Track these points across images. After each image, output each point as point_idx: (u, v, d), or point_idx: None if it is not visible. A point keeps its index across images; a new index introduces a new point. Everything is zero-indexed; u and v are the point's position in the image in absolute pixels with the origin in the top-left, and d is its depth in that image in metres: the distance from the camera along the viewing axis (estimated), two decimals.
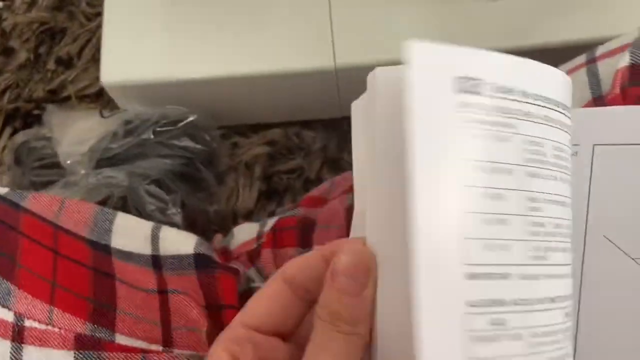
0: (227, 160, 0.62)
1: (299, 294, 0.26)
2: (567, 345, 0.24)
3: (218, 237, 0.50)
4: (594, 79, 0.39)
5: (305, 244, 0.43)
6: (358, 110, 0.26)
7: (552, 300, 0.23)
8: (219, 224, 0.60)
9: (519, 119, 0.23)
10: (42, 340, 0.30)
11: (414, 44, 0.22)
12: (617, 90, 0.36)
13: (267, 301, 0.26)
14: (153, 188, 0.46)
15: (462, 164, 0.22)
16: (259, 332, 0.26)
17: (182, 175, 0.52)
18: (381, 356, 0.24)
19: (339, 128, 0.68)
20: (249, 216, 0.62)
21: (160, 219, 0.46)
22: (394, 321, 0.23)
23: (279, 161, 0.67)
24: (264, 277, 0.44)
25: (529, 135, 0.23)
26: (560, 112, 0.25)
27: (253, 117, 0.68)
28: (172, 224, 0.47)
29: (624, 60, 0.37)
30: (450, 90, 0.22)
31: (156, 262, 0.39)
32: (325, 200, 0.46)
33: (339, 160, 0.67)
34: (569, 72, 0.41)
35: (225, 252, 0.46)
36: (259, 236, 0.46)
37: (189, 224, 0.50)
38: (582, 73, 0.40)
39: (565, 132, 0.25)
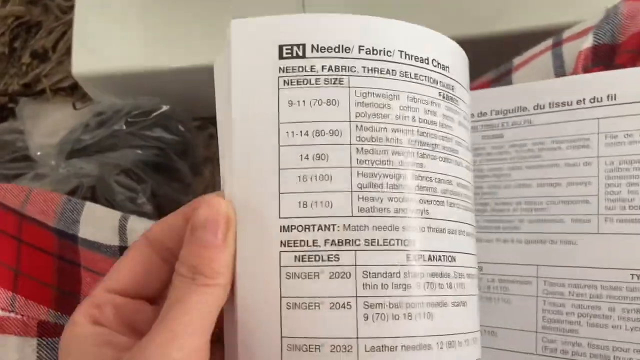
0: (202, 151, 0.62)
1: (162, 256, 0.26)
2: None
3: None
4: (558, 61, 0.39)
5: None
6: (218, 66, 0.27)
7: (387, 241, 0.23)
8: None
9: (348, 75, 0.24)
10: (1, 327, 0.30)
11: (234, 22, 0.25)
12: (580, 71, 0.37)
13: (130, 264, 0.26)
14: (122, 178, 0.45)
15: (282, 128, 0.24)
16: (122, 295, 0.25)
17: (154, 166, 0.52)
18: (241, 306, 0.24)
19: None
20: None
21: (130, 208, 0.46)
22: (252, 270, 0.23)
23: None
24: None
25: (359, 87, 0.24)
26: (408, 64, 0.25)
27: None
28: (143, 214, 0.46)
29: (588, 41, 0.37)
30: (274, 58, 0.24)
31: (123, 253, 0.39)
32: None
33: None
34: (535, 56, 0.42)
35: None
36: None
37: (162, 215, 0.50)
38: (548, 56, 0.40)
39: (410, 81, 0.25)
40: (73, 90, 0.71)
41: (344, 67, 0.24)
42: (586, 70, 0.36)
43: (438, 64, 0.26)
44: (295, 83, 0.24)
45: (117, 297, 0.25)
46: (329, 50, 0.24)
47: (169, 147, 0.53)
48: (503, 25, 0.54)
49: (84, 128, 0.53)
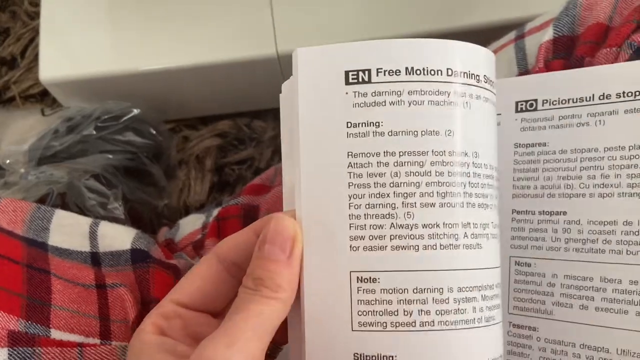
0: (176, 154, 0.62)
1: (231, 272, 0.27)
2: None
3: (163, 230, 0.49)
4: (521, 54, 0.39)
5: None
6: (286, 90, 0.28)
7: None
8: (171, 218, 0.60)
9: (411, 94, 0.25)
10: None
11: (299, 51, 0.26)
12: (542, 64, 0.37)
13: (198, 279, 0.27)
14: (93, 183, 0.45)
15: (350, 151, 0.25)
16: (188, 308, 0.27)
17: (126, 170, 0.51)
18: (308, 320, 0.25)
19: None
20: (201, 209, 0.62)
21: (101, 214, 0.45)
22: (321, 289, 0.25)
23: (230, 152, 0.67)
24: None
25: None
26: (467, 84, 0.26)
27: (202, 109, 0.67)
28: (114, 219, 0.46)
29: (548, 34, 0.38)
30: (341, 83, 0.25)
31: (95, 259, 0.39)
32: (269, 187, 0.46)
33: None
34: (500, 49, 0.42)
35: (170, 245, 0.46)
36: (204, 226, 0.46)
37: (135, 219, 0.49)
38: (511, 49, 0.41)
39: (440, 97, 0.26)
40: (43, 97, 0.70)
41: (411, 91, 0.25)
42: (547, 62, 0.37)
43: (488, 79, 0.27)
44: (363, 106, 0.25)
45: (183, 310, 0.26)
46: (395, 74, 0.25)
47: (140, 151, 0.53)
48: (473, 18, 0.55)
49: (53, 134, 0.52)
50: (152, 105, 0.61)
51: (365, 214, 0.25)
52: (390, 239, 0.25)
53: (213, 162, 0.66)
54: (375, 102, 0.25)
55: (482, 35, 0.53)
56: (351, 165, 0.25)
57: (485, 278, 0.25)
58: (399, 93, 0.25)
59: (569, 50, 0.37)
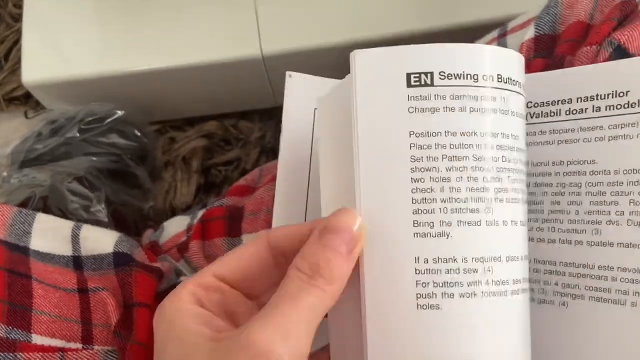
0: (161, 155, 0.61)
1: (278, 260, 0.26)
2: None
3: (147, 233, 0.49)
4: None
5: (233, 233, 0.43)
6: (325, 101, 0.29)
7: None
8: (157, 220, 0.60)
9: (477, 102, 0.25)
10: None
11: (357, 52, 0.25)
12: None
13: (245, 258, 0.26)
14: (75, 185, 0.45)
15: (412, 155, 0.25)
16: (228, 284, 0.26)
17: (110, 172, 0.51)
18: (370, 323, 0.25)
19: (275, 117, 0.68)
20: (187, 211, 0.62)
21: (84, 217, 0.45)
22: (380, 288, 0.25)
23: (217, 153, 0.67)
24: (193, 270, 0.43)
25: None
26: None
27: (188, 110, 0.67)
28: (97, 222, 0.46)
29: (529, 33, 0.38)
30: (402, 86, 0.25)
31: (77, 262, 0.38)
32: (253, 188, 0.46)
33: (276, 149, 0.67)
34: None
35: (154, 247, 0.46)
36: (189, 228, 0.46)
37: (119, 222, 0.49)
38: None
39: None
40: (27, 99, 0.69)
41: (473, 97, 0.25)
42: (528, 61, 0.37)
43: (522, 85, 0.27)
44: (426, 110, 0.25)
45: (223, 284, 0.26)
46: (457, 78, 0.25)
47: (125, 153, 0.53)
48: (457, 18, 0.55)
49: (36, 137, 0.52)
50: (137, 107, 0.61)
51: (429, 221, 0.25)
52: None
53: (199, 163, 0.65)
54: (436, 107, 0.25)
55: (466, 34, 0.53)
56: (415, 170, 0.25)
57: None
58: (460, 97, 0.25)
59: (550, 49, 0.37)
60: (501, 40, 0.40)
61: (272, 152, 0.67)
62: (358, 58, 0.25)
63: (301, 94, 0.35)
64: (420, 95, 0.25)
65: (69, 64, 0.57)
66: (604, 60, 0.33)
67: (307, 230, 0.25)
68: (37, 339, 0.33)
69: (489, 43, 0.41)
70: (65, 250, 0.39)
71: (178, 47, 0.58)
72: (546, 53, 0.37)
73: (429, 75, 0.25)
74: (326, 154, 0.28)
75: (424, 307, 0.24)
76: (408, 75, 0.25)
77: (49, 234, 0.39)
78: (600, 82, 0.29)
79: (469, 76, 0.25)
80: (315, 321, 0.23)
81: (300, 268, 0.24)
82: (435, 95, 0.25)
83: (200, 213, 0.46)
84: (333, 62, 0.57)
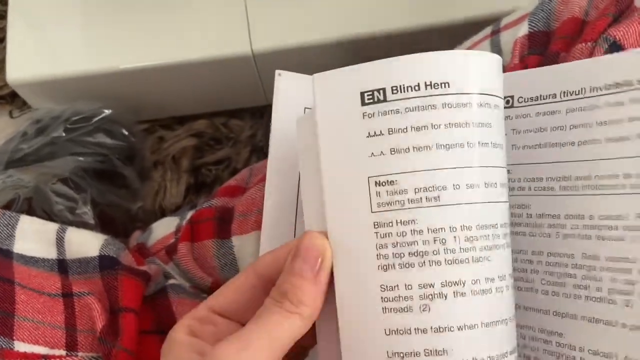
0: (150, 155, 0.60)
1: (266, 288, 0.27)
2: None
3: (135, 234, 0.48)
4: (496, 50, 0.39)
5: (222, 234, 0.42)
6: (302, 120, 0.29)
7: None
8: (146, 221, 0.59)
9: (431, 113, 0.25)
10: None
11: (316, 77, 0.26)
12: (517, 60, 0.36)
13: (235, 290, 0.28)
14: (60, 187, 0.44)
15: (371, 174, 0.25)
16: (222, 316, 0.28)
17: (97, 173, 0.50)
18: (343, 337, 0.26)
19: (266, 115, 0.67)
20: (176, 212, 0.61)
21: (69, 219, 0.44)
22: (352, 307, 0.25)
23: (207, 153, 0.66)
24: (182, 272, 0.42)
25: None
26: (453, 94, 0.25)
27: (177, 109, 0.66)
28: (83, 224, 0.45)
29: (523, 29, 0.37)
30: (357, 105, 0.25)
31: (62, 266, 0.37)
32: (244, 189, 0.45)
33: (267, 148, 0.66)
34: (475, 44, 0.41)
35: (142, 249, 0.45)
36: (177, 230, 0.45)
37: (107, 223, 0.48)
38: (486, 45, 0.40)
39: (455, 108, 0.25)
40: (13, 98, 0.68)
41: (427, 106, 0.24)
42: (522, 58, 0.36)
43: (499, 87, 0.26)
44: (379, 127, 0.25)
45: (218, 317, 0.27)
46: (409, 90, 0.25)
47: (112, 152, 0.52)
48: (450, 15, 0.54)
49: (21, 137, 0.50)
50: (125, 106, 0.59)
51: (390, 235, 0.25)
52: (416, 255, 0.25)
53: (189, 163, 0.64)
54: (392, 120, 0.25)
55: (459, 31, 0.52)
56: (376, 184, 0.25)
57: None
58: (418, 108, 0.24)
59: (544, 45, 0.36)
60: (495, 37, 0.40)
61: (263, 151, 0.66)
62: (317, 81, 0.26)
63: (291, 92, 0.34)
64: (376, 112, 0.25)
65: (55, 62, 0.56)
66: None
67: (286, 253, 0.27)
68: (20, 346, 0.32)
69: (482, 40, 0.41)
70: (50, 253, 0.38)
71: (167, 45, 0.57)
72: (540, 50, 0.36)
73: (381, 91, 0.25)
74: (303, 174, 0.29)
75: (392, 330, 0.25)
76: (362, 94, 0.25)
77: (32, 237, 0.38)
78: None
79: (417, 86, 0.24)
80: (281, 338, 0.24)
81: (272, 296, 0.25)
82: (389, 111, 0.25)
83: (189, 214, 0.45)
84: (324, 60, 0.57)
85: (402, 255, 0.24)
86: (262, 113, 0.67)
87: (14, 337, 0.32)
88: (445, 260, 0.24)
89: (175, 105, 0.65)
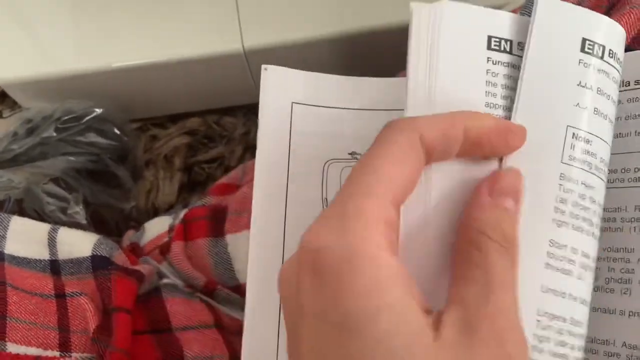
0: (142, 154, 0.60)
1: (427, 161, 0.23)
2: None
3: (128, 234, 0.48)
4: None
5: (216, 233, 0.41)
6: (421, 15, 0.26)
7: None
8: (139, 221, 0.58)
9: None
10: None
11: (447, 4, 0.25)
12: None
13: (410, 170, 0.21)
14: (51, 187, 0.43)
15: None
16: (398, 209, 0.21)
17: (89, 172, 0.49)
18: None
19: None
20: (169, 211, 0.60)
21: (62, 219, 0.44)
22: None
23: (200, 151, 0.65)
24: (175, 271, 0.42)
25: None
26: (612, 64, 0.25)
27: (170, 107, 0.66)
28: (75, 224, 0.44)
29: None
30: (577, 49, 0.24)
31: (54, 267, 0.37)
32: (236, 187, 0.45)
33: None
34: None
35: (135, 249, 0.44)
36: (171, 229, 0.45)
37: (99, 223, 0.48)
38: None
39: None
40: (4, 99, 0.68)
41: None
42: None
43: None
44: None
45: (396, 214, 0.21)
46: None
47: (104, 152, 0.51)
48: None
49: (12, 137, 0.50)
50: (117, 104, 0.59)
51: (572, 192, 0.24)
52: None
53: (182, 161, 0.64)
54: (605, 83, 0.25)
55: None
56: (573, 136, 0.24)
57: None
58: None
59: None
60: None
61: (255, 148, 0.65)
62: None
63: (278, 86, 0.34)
64: (592, 64, 0.24)
65: (45, 61, 0.55)
66: None
67: (459, 129, 0.22)
68: (12, 348, 0.32)
69: None
70: (42, 254, 0.38)
71: (158, 42, 0.56)
72: None
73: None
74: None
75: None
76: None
77: (24, 238, 0.38)
78: None
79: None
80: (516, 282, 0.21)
81: (495, 238, 0.21)
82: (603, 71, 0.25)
83: (182, 213, 0.45)
84: (316, 56, 0.56)
85: (577, 217, 0.24)
86: (255, 110, 0.66)
87: (7, 339, 0.32)
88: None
89: (167, 103, 0.65)
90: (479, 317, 0.19)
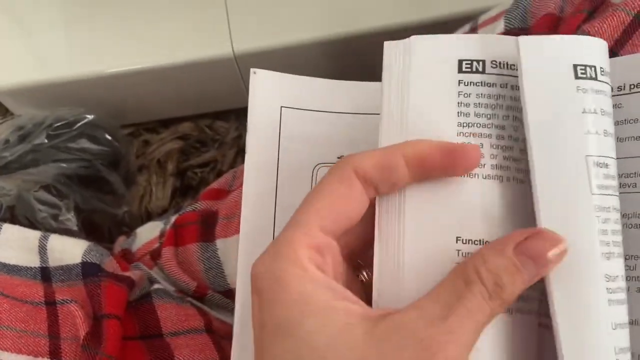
0: (135, 159, 0.60)
1: (369, 194, 0.24)
2: None
3: (120, 240, 0.48)
4: None
5: (207, 238, 0.42)
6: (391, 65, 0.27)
7: None
8: (133, 226, 0.58)
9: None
10: None
11: (413, 39, 0.26)
12: None
13: (342, 201, 0.24)
14: (42, 194, 0.43)
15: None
16: (334, 238, 0.24)
17: (81, 179, 0.50)
18: (564, 335, 0.23)
19: None
20: (161, 216, 0.60)
21: (53, 226, 0.44)
22: (573, 300, 0.23)
23: (192, 155, 0.66)
24: (166, 276, 0.42)
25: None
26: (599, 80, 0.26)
27: (162, 111, 0.66)
28: (67, 231, 0.45)
29: (499, 27, 0.37)
30: (571, 77, 0.24)
31: (45, 274, 0.37)
32: (227, 192, 0.45)
33: None
34: None
35: (127, 255, 0.45)
36: (162, 234, 0.45)
37: (92, 229, 0.48)
38: None
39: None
40: None
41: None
42: None
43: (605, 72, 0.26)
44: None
45: (332, 242, 0.24)
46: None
47: (96, 158, 0.51)
48: (433, 11, 0.54)
49: (4, 144, 0.50)
50: (108, 110, 0.59)
51: (608, 221, 0.24)
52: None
53: (175, 166, 0.64)
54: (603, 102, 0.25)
55: (440, 28, 0.53)
56: (595, 164, 0.24)
57: None
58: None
59: None
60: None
61: None
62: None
63: (266, 90, 0.34)
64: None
65: (36, 68, 0.56)
66: None
67: (399, 159, 0.24)
68: (3, 356, 0.32)
69: None
70: (33, 261, 0.38)
71: (149, 48, 0.56)
72: None
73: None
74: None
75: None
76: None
77: (15, 245, 0.38)
78: None
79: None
80: (483, 324, 0.22)
81: (484, 281, 0.22)
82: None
83: (173, 218, 0.45)
84: (306, 59, 0.57)
85: (618, 243, 0.24)
86: (247, 114, 0.67)
87: None
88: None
89: (159, 108, 0.65)
90: (424, 326, 0.21)
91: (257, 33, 0.55)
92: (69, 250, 0.38)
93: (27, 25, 0.58)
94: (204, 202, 0.44)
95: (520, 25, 0.37)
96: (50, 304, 0.35)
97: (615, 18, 0.32)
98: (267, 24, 0.55)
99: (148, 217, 0.61)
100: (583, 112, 0.24)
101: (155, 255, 0.43)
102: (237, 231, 0.41)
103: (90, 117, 0.53)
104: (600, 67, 0.25)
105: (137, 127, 0.66)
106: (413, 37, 0.26)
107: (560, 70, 0.24)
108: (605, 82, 0.25)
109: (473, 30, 0.40)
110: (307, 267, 0.22)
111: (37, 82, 0.55)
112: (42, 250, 0.38)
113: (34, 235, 0.39)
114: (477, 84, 0.25)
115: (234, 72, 0.57)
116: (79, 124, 0.52)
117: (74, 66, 0.56)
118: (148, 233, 0.46)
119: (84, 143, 0.51)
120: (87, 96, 0.58)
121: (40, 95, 0.56)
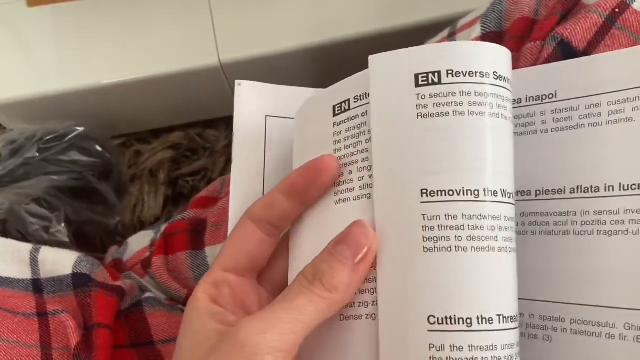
0: (127, 170, 0.61)
1: (266, 231, 0.28)
2: None
3: (112, 250, 0.48)
4: None
5: (196, 246, 0.42)
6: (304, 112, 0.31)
7: None
8: (126, 236, 0.59)
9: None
10: None
11: (372, 58, 0.27)
12: None
13: (241, 242, 0.28)
14: (33, 207, 0.44)
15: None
16: (236, 274, 0.28)
17: (73, 190, 0.50)
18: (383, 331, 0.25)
19: None
20: (153, 225, 0.61)
21: (44, 238, 0.44)
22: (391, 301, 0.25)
23: (184, 164, 0.66)
24: (157, 285, 0.43)
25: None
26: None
27: (152, 122, 0.67)
28: (58, 243, 0.45)
29: (476, 31, 0.38)
30: (412, 86, 0.25)
31: (36, 286, 0.38)
32: (216, 199, 0.46)
33: None
34: None
35: (118, 264, 0.45)
36: (152, 243, 0.45)
37: (83, 240, 0.49)
38: None
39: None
40: None
41: (480, 93, 0.25)
42: None
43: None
44: (433, 109, 0.25)
45: (231, 276, 0.28)
46: (465, 75, 0.25)
47: (86, 169, 0.52)
48: (413, 17, 0.55)
49: None
50: (99, 122, 0.60)
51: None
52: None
53: (166, 175, 0.65)
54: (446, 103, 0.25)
55: (420, 33, 0.53)
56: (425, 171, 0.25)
57: None
58: (468, 93, 0.25)
59: None
60: (451, 39, 0.41)
61: None
62: (373, 62, 0.27)
63: (251, 101, 0.35)
64: (429, 94, 0.25)
65: (27, 82, 0.56)
66: (548, 56, 0.33)
67: (278, 197, 0.28)
68: None
69: (439, 42, 0.42)
70: (25, 273, 0.38)
71: (136, 60, 0.57)
72: None
73: (436, 74, 0.25)
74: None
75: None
76: (416, 76, 0.26)
77: (6, 258, 0.38)
78: None
79: (472, 74, 0.25)
80: (306, 322, 0.24)
81: (305, 274, 0.25)
82: (442, 94, 0.25)
83: (163, 227, 0.46)
84: (291, 67, 0.57)
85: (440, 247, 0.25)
86: None
87: None
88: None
89: (149, 118, 0.66)
90: (244, 329, 0.24)
91: (243, 42, 0.55)
92: (60, 261, 0.38)
93: (16, 42, 0.58)
94: (193, 210, 0.45)
95: (496, 29, 0.37)
96: (42, 314, 0.36)
97: (588, 20, 0.32)
98: (252, 33, 0.56)
99: (141, 226, 0.62)
100: (418, 118, 0.25)
101: (146, 264, 0.44)
102: (225, 238, 0.42)
103: (80, 129, 0.53)
104: (448, 70, 0.25)
105: (128, 138, 0.67)
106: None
107: (403, 82, 0.26)
108: (456, 83, 0.25)
109: (452, 35, 0.41)
110: (199, 298, 0.27)
111: (28, 96, 0.56)
112: (34, 262, 0.39)
113: (26, 247, 0.39)
114: (344, 121, 0.28)
115: (222, 81, 0.58)
116: (69, 137, 0.53)
117: (64, 79, 0.57)
118: (139, 242, 0.47)
119: (75, 155, 0.52)
120: (78, 108, 0.59)
121: (32, 108, 0.57)
